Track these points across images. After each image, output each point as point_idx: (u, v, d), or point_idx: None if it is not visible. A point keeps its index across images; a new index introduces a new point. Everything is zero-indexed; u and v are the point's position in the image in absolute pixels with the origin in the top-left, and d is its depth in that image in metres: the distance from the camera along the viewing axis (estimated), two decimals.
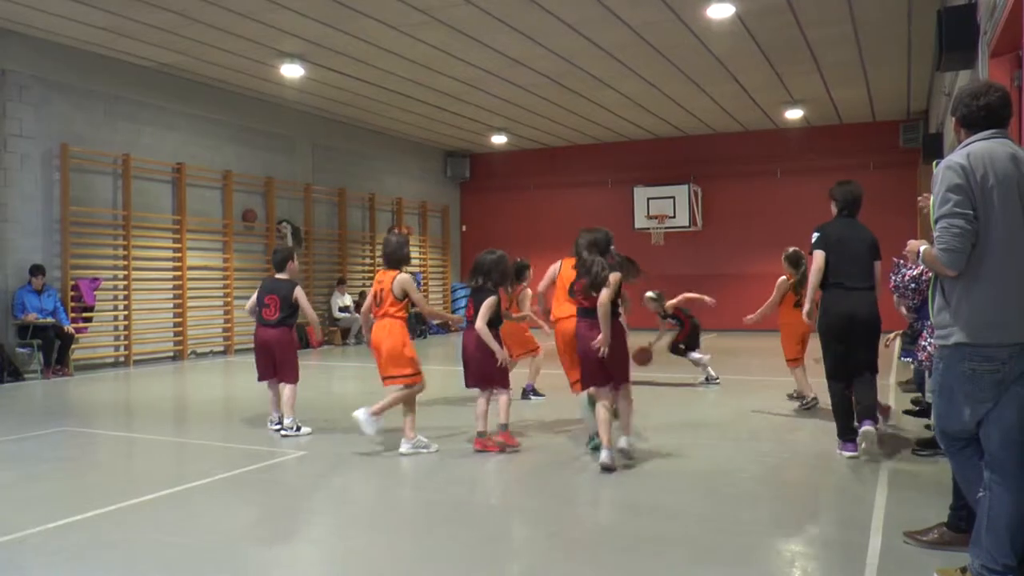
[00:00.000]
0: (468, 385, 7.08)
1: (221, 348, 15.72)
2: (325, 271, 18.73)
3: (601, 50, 13.39)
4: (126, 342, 14.00)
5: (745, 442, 7.36)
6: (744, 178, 20.45)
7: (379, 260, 19.72)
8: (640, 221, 20.81)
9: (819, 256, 6.47)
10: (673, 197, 20.48)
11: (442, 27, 12.21)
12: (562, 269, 7.22)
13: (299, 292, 7.87)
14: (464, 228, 23.98)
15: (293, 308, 7.83)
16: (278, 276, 8.01)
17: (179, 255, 14.99)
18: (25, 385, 11.63)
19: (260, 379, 7.96)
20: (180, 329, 14.89)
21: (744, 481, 6.04)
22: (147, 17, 11.78)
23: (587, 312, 6.29)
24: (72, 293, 12.94)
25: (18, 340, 12.21)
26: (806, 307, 6.89)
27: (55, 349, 12.34)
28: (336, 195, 19.08)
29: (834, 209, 6.79)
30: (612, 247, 6.42)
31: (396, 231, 7.62)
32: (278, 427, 7.73)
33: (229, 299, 15.81)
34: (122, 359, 13.94)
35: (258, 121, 16.84)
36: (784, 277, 9.04)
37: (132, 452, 7.41)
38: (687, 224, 20.36)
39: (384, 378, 6.94)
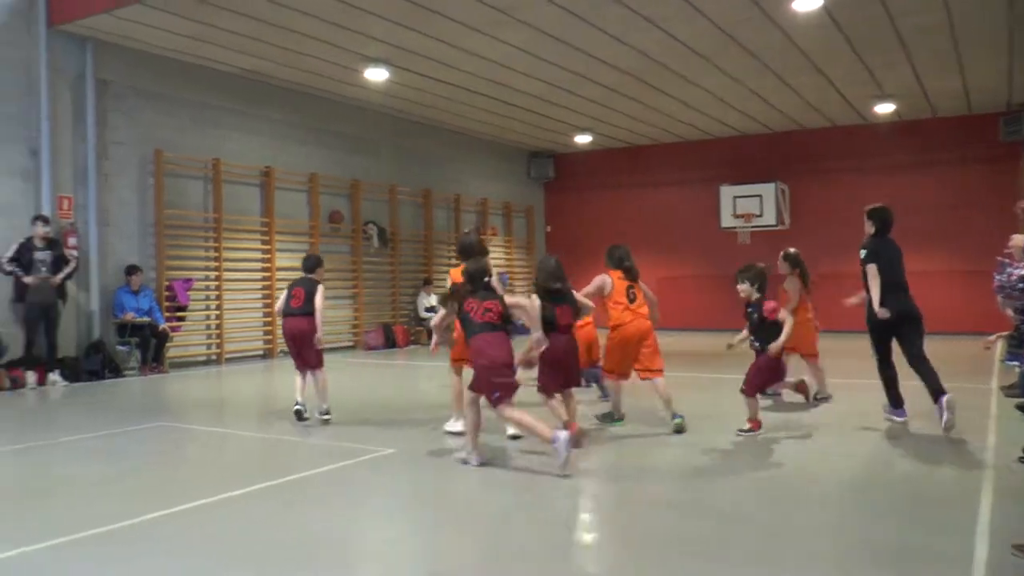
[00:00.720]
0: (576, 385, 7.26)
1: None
2: (411, 272, 18.90)
3: (684, 46, 13.20)
4: (218, 340, 14.35)
5: (833, 444, 7.17)
6: (832, 175, 19.93)
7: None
8: (726, 220, 20.47)
9: (873, 268, 7.59)
10: (760, 195, 20.08)
11: (524, 27, 12.20)
12: (615, 282, 7.85)
13: (320, 290, 8.51)
14: (549, 229, 23.92)
15: (314, 302, 8.45)
16: (307, 276, 8.64)
17: (268, 256, 15.30)
18: (124, 381, 12.02)
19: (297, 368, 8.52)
20: (269, 328, 15.18)
21: (838, 486, 5.87)
22: (233, 25, 12.06)
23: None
24: (166, 293, 13.33)
25: (117, 338, 12.66)
26: (876, 307, 7.59)
27: (151, 347, 12.74)
28: (421, 196, 19.24)
29: (871, 229, 7.85)
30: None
31: (476, 229, 7.81)
32: (299, 408, 8.27)
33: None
34: (214, 357, 14.30)
35: (343, 124, 17.09)
36: (793, 277, 9.22)
37: (224, 447, 7.56)
38: (774, 223, 19.92)
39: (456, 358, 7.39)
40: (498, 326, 6.33)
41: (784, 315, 7.41)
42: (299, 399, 8.34)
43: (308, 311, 8.38)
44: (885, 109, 17.71)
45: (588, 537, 5.01)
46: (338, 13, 11.57)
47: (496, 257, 21.47)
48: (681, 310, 19.38)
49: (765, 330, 7.34)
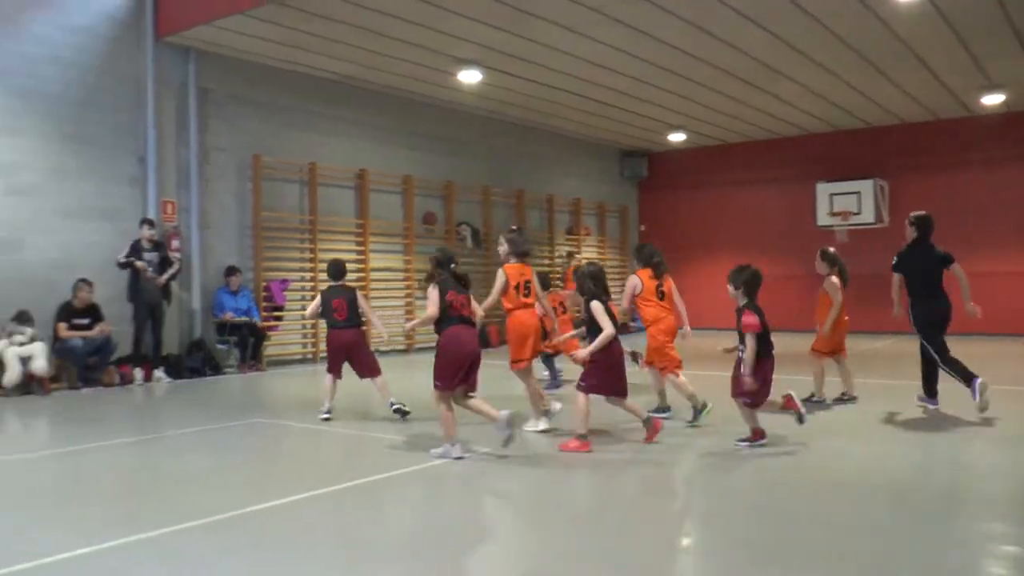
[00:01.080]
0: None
1: (403, 347, 16.19)
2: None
3: (779, 40, 12.94)
4: (313, 339, 14.66)
5: (907, 450, 6.99)
6: (935, 171, 19.21)
7: (558, 260, 19.88)
8: (823, 218, 19.97)
9: (898, 277, 8.61)
10: (858, 192, 19.53)
11: (616, 24, 12.14)
12: (645, 281, 8.16)
13: (361, 297, 8.83)
14: (643, 228, 23.72)
15: (358, 311, 8.68)
16: (339, 284, 8.79)
17: (362, 257, 15.58)
18: (223, 379, 12.40)
19: (329, 370, 8.68)
20: (364, 328, 15.40)
21: (919, 494, 5.70)
22: (329, 32, 12.33)
23: None
24: (264, 293, 13.70)
25: (217, 337, 13.07)
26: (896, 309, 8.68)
27: (249, 346, 13.11)
28: (514, 197, 19.33)
29: (914, 234, 8.68)
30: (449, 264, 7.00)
31: (519, 230, 7.86)
32: (327, 416, 8.40)
33: (410, 300, 16.27)
34: (310, 356, 14.62)
35: (437, 126, 17.29)
36: (834, 277, 9.04)
37: (319, 444, 7.71)
38: (873, 221, 19.34)
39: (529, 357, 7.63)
40: (471, 321, 6.77)
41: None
42: (327, 404, 8.51)
43: (356, 323, 8.62)
44: (993, 100, 16.99)
45: (686, 541, 4.94)
46: (431, 16, 11.72)
47: (589, 257, 21.41)
48: (775, 311, 18.88)
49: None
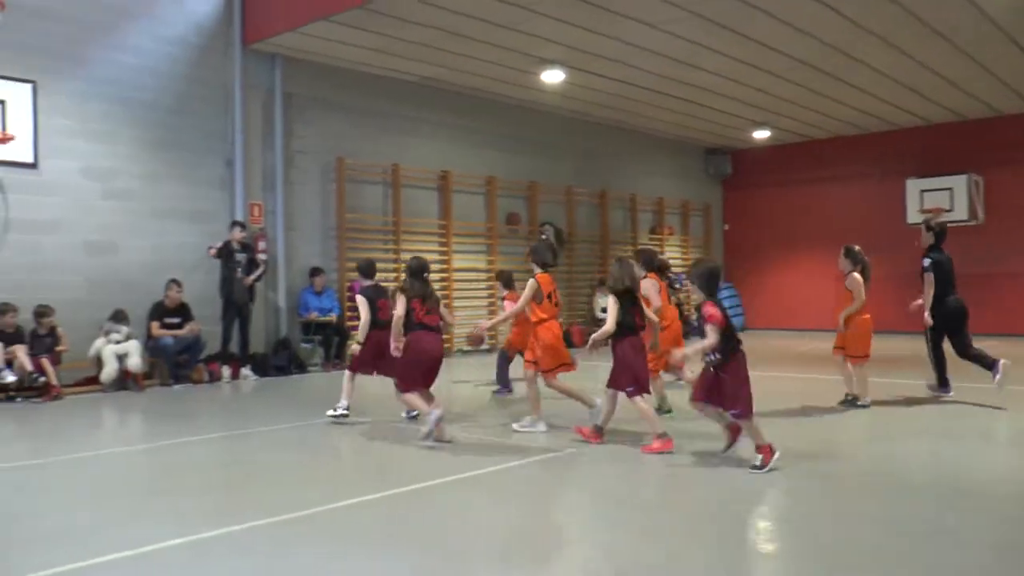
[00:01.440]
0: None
1: (486, 347, 16.23)
2: (586, 272, 18.92)
3: (866, 31, 12.59)
4: None
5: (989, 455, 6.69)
6: None
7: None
8: (913, 216, 19.34)
9: (931, 276, 9.20)
10: (950, 189, 18.91)
11: (700, 20, 11.98)
12: (659, 283, 8.32)
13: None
14: (727, 227, 23.40)
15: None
16: (374, 282, 8.78)
17: (445, 258, 15.71)
18: (308, 377, 12.64)
19: (360, 370, 8.63)
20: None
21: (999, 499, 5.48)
22: (412, 35, 12.46)
23: None
24: (347, 294, 13.90)
25: (302, 336, 13.33)
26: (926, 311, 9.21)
27: (333, 345, 13.35)
28: (597, 197, 19.27)
29: (932, 239, 9.37)
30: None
31: (547, 237, 7.65)
32: (341, 413, 8.40)
33: (493, 300, 16.32)
34: None
35: (519, 127, 17.33)
36: (856, 274, 8.85)
37: (403, 441, 7.74)
38: (966, 218, 18.67)
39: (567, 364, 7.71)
40: (436, 327, 7.40)
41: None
42: (344, 402, 8.43)
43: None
44: None
45: (770, 547, 4.83)
46: (515, 18, 11.76)
47: (673, 257, 21.20)
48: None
49: (724, 337, 6.13)
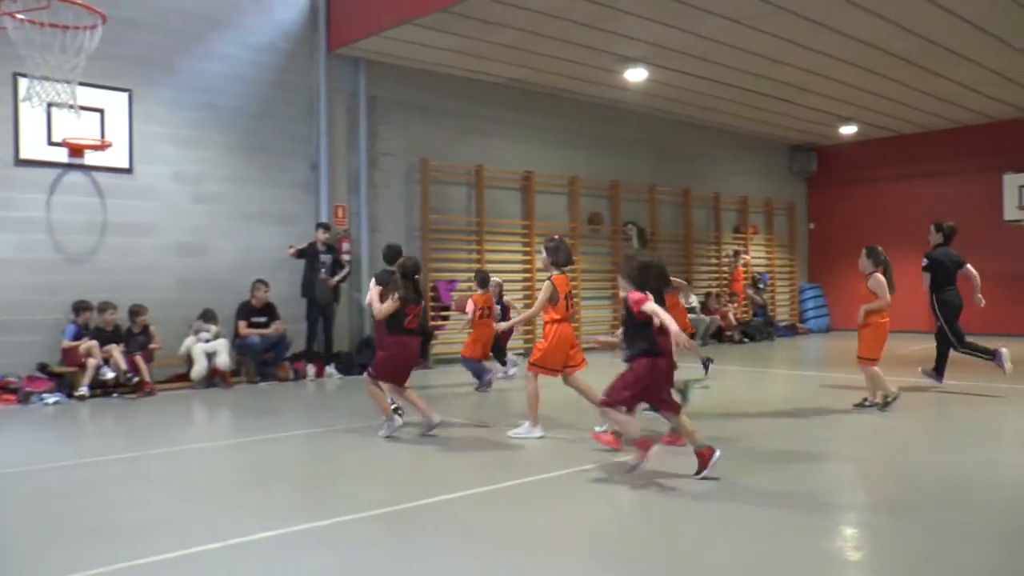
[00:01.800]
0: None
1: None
2: (670, 271, 18.63)
3: (961, 20, 12.11)
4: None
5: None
6: None
7: (724, 259, 19.48)
8: (1010, 212, 18.63)
9: (927, 277, 10.07)
10: None
11: (787, 15, 11.73)
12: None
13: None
14: (812, 226, 22.87)
15: None
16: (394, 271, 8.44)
17: (528, 258, 15.71)
18: None
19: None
20: (530, 328, 15.51)
21: None
22: (496, 37, 12.51)
23: None
24: (431, 294, 14.01)
25: None
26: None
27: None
28: (680, 196, 19.07)
29: (939, 238, 10.18)
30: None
31: (555, 237, 7.37)
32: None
33: (577, 300, 16.22)
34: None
35: (602, 126, 17.26)
36: (879, 275, 8.63)
37: (481, 443, 7.73)
38: None
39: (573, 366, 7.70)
40: (417, 331, 7.78)
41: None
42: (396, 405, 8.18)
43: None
44: None
45: (856, 556, 4.70)
46: (598, 16, 11.71)
47: (757, 256, 20.88)
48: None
49: (634, 330, 5.93)
